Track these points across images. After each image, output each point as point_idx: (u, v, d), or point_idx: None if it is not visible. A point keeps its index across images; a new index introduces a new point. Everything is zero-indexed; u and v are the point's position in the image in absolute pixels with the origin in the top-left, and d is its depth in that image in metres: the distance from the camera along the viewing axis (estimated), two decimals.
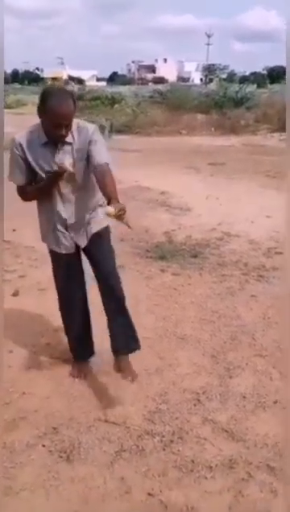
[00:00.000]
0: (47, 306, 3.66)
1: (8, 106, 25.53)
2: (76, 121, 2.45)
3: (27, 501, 2.05)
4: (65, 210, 2.58)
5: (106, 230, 2.71)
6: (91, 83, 55.83)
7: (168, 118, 17.19)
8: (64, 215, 2.59)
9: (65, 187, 2.52)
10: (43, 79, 71.65)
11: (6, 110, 23.33)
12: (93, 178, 2.50)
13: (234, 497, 2.07)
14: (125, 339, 2.75)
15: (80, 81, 49.20)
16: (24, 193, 2.63)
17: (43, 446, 2.35)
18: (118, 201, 2.25)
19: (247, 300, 3.90)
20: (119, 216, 2.16)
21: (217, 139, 14.30)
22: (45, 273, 4.22)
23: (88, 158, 2.45)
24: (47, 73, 79.70)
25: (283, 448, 2.32)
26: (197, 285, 4.17)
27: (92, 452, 2.32)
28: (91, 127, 2.49)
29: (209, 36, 72.95)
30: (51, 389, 2.77)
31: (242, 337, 3.34)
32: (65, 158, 2.42)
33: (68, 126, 2.37)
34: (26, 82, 60.41)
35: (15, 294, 3.95)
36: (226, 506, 2.03)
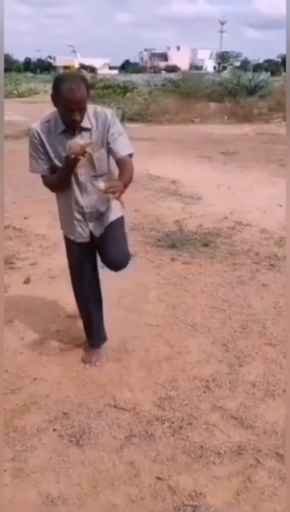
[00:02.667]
0: (58, 293, 3.69)
1: (20, 95, 25.59)
2: (93, 107, 2.45)
3: (38, 484, 2.08)
4: (83, 199, 2.58)
5: (120, 220, 2.71)
6: (103, 71, 55.51)
7: (181, 107, 17.07)
8: (82, 203, 2.59)
9: (82, 175, 2.51)
10: (55, 67, 71.57)
11: (18, 99, 23.46)
12: (112, 167, 2.53)
13: (243, 483, 2.08)
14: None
15: (92, 70, 48.96)
16: (48, 184, 2.61)
17: (54, 430, 2.38)
18: (123, 185, 2.29)
19: (258, 289, 3.88)
20: (108, 192, 2.24)
21: (230, 128, 14.16)
22: (56, 261, 4.27)
23: (108, 145, 2.45)
24: (59, 61, 79.53)
25: None
26: (208, 274, 4.16)
27: (101, 436, 2.34)
28: (109, 112, 2.48)
29: (222, 23, 72.05)
30: (62, 375, 2.80)
31: (252, 326, 3.34)
32: (77, 140, 2.37)
33: (83, 111, 2.35)
34: (39, 71, 60.25)
35: (26, 281, 3.98)
36: (234, 492, 2.04)
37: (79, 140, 2.35)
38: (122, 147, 2.47)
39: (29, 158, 2.55)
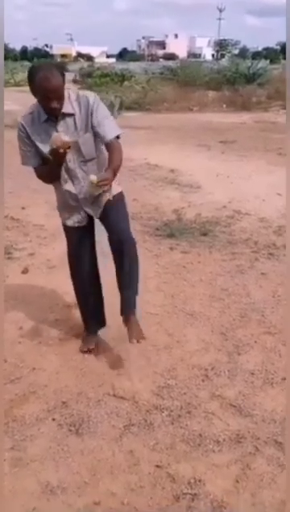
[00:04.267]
0: (57, 283, 3.68)
1: (17, 84, 25.33)
2: (75, 91, 2.46)
3: (37, 473, 2.09)
4: (74, 186, 2.58)
5: (119, 196, 2.68)
6: (100, 59, 55.08)
7: (179, 95, 16.95)
8: (74, 190, 2.59)
9: (70, 161, 2.50)
10: (52, 56, 70.97)
11: (14, 88, 23.25)
12: (103, 149, 2.54)
13: (242, 470, 2.09)
14: (132, 300, 2.75)
15: (89, 58, 48.59)
16: (40, 175, 2.61)
17: (53, 420, 2.39)
18: (113, 173, 2.37)
19: (257, 278, 3.88)
20: (99, 185, 2.32)
21: (229, 116, 14.07)
22: (54, 251, 4.26)
23: (93, 129, 2.45)
24: (56, 50, 78.84)
25: None
26: (207, 263, 4.15)
27: (101, 425, 2.34)
28: (91, 95, 2.46)
29: (220, 11, 71.36)
30: (61, 364, 2.80)
31: (251, 315, 3.33)
32: (60, 135, 2.37)
33: (60, 98, 2.34)
34: (35, 59, 59.71)
35: (24, 271, 3.97)
36: (233, 479, 2.05)
37: (62, 135, 2.35)
38: (108, 130, 2.47)
39: (19, 151, 2.55)
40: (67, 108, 2.41)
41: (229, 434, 2.29)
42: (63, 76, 2.35)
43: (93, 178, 2.34)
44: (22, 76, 27.71)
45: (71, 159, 2.49)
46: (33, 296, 3.57)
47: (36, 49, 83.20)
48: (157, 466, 2.12)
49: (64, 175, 2.55)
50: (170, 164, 7.65)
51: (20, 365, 2.79)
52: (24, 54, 74.86)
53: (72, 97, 2.43)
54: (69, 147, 2.36)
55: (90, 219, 2.70)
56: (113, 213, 2.65)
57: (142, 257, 4.13)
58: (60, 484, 2.03)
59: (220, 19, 71.95)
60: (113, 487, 2.02)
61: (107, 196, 2.49)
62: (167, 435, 2.28)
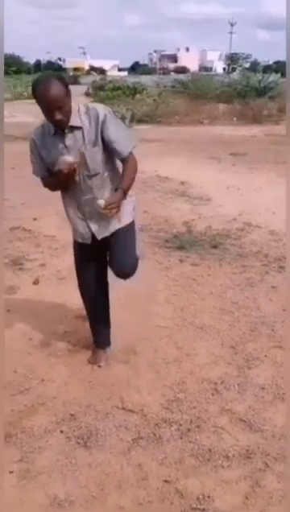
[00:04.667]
0: (67, 294, 3.69)
1: (30, 97, 25.60)
2: (85, 104, 2.44)
3: (45, 486, 2.07)
4: (80, 199, 2.55)
5: (129, 226, 2.64)
6: (113, 73, 55.66)
7: (190, 108, 17.04)
8: (80, 204, 2.57)
9: (77, 176, 2.48)
10: (65, 69, 71.84)
11: (28, 101, 23.48)
12: (114, 164, 2.55)
13: (251, 487, 2.06)
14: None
15: (101, 71, 49.12)
16: (47, 185, 2.64)
17: (61, 432, 2.38)
18: (124, 192, 2.37)
19: (267, 291, 3.86)
20: (107, 210, 2.31)
21: (239, 129, 14.12)
22: (65, 262, 4.27)
23: (104, 142, 2.42)
24: (68, 63, 79.85)
25: None
26: (217, 275, 4.14)
27: (109, 438, 2.33)
28: (101, 108, 2.42)
29: (231, 25, 71.76)
30: (70, 376, 2.80)
31: (261, 328, 3.31)
32: (66, 158, 2.38)
33: (62, 109, 2.30)
34: None
35: (35, 282, 3.98)
36: (243, 496, 2.02)
37: (67, 158, 2.37)
38: (124, 146, 2.45)
39: (30, 161, 2.60)
40: (75, 121, 2.38)
41: (238, 449, 2.26)
42: (65, 86, 2.30)
43: (101, 202, 2.33)
44: None
45: (77, 173, 2.47)
46: (43, 307, 3.58)
47: (49, 62, 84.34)
48: (165, 481, 2.10)
49: (70, 188, 2.55)
50: (180, 176, 7.67)
51: (29, 377, 2.79)
52: (38, 67, 75.92)
53: (82, 109, 2.40)
54: (75, 170, 2.39)
55: (95, 237, 2.64)
56: (120, 246, 2.62)
57: (151, 269, 4.16)
58: (68, 497, 2.02)
59: (231, 33, 72.32)
60: (122, 501, 2.00)
61: (116, 225, 2.51)
62: (176, 450, 2.26)
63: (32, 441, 2.32)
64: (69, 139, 2.41)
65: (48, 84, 2.25)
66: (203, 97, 18.79)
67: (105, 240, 2.63)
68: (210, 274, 4.15)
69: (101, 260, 2.76)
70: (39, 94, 2.27)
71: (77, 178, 2.47)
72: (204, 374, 2.81)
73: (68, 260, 4.29)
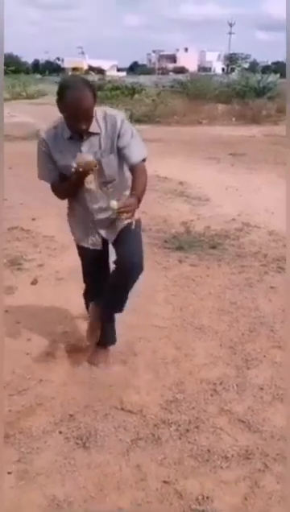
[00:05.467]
0: (65, 294, 3.69)
1: (29, 97, 25.65)
2: (102, 110, 2.36)
3: (43, 486, 2.07)
4: (92, 206, 2.49)
5: (137, 223, 2.46)
6: (111, 73, 55.63)
7: (189, 108, 17.05)
8: (91, 211, 2.51)
9: (90, 183, 2.42)
10: (63, 69, 71.83)
11: (26, 101, 23.54)
12: (126, 173, 2.48)
13: (250, 488, 2.06)
14: (108, 336, 2.86)
15: (100, 71, 49.10)
16: (56, 191, 2.55)
17: (60, 432, 2.37)
18: (138, 199, 2.23)
19: (266, 292, 3.85)
20: (121, 212, 2.16)
21: (238, 129, 14.12)
22: (63, 262, 4.28)
23: (118, 150, 2.36)
24: (67, 63, 79.83)
25: None
26: (216, 276, 4.14)
27: (108, 439, 2.32)
28: (119, 116, 2.37)
29: (231, 25, 71.87)
30: (68, 376, 2.79)
31: (260, 329, 3.31)
32: (85, 155, 2.29)
33: (89, 119, 2.25)
34: (47, 72, 60.47)
35: (34, 283, 3.98)
36: (242, 496, 2.02)
37: (86, 155, 2.28)
38: (135, 153, 2.37)
39: (37, 164, 2.50)
40: (93, 127, 2.31)
41: (237, 450, 2.26)
42: (95, 95, 2.24)
43: (114, 204, 2.18)
44: (34, 88, 28.14)
45: (91, 180, 2.40)
46: (41, 308, 3.57)
47: (48, 62, 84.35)
48: (164, 482, 2.09)
49: (81, 194, 2.47)
50: (179, 177, 7.67)
51: (28, 377, 2.78)
52: (36, 67, 75.93)
53: (99, 115, 2.33)
54: (92, 169, 2.29)
55: (105, 241, 2.63)
56: (128, 242, 2.55)
57: (150, 269, 4.14)
58: (67, 498, 2.01)
59: (230, 33, 72.44)
60: (120, 502, 2.00)
61: (125, 222, 2.40)
62: (175, 450, 2.26)
63: (30, 442, 2.31)
64: (85, 145, 2.35)
65: (81, 92, 2.17)
66: (202, 97, 18.80)
67: (113, 242, 2.61)
68: (209, 275, 4.15)
69: (106, 265, 2.75)
70: (69, 100, 2.18)
71: (92, 185, 2.40)
72: (203, 375, 2.81)
73: (66, 260, 4.30)
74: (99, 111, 2.34)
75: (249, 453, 2.24)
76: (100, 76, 29.61)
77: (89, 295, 2.92)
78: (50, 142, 2.39)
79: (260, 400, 2.60)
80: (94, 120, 2.31)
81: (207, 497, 2.01)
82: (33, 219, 5.52)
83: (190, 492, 2.04)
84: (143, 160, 2.41)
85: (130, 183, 2.41)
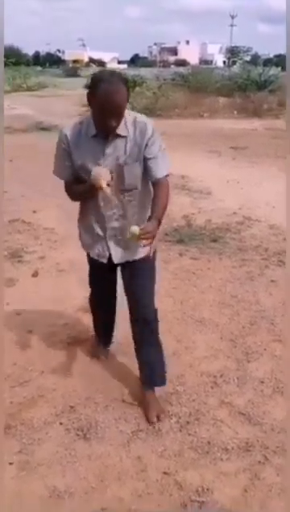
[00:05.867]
0: (66, 287, 3.69)
1: (29, 89, 25.53)
2: (132, 114, 2.21)
3: (44, 477, 2.08)
4: (105, 212, 2.29)
5: (153, 256, 2.39)
6: (112, 65, 55.38)
7: (190, 101, 16.96)
8: (104, 218, 2.31)
9: (108, 188, 2.19)
10: (64, 61, 71.47)
11: (27, 93, 23.44)
12: (148, 183, 2.30)
13: (250, 480, 2.07)
14: (149, 373, 2.54)
15: (101, 63, 48.87)
16: (69, 191, 2.37)
17: (61, 424, 2.38)
18: (158, 221, 2.08)
19: (267, 285, 3.86)
20: (141, 238, 1.98)
21: (240, 123, 14.06)
22: (64, 254, 4.28)
23: (144, 160, 2.20)
24: (68, 55, 79.44)
25: None
26: (216, 269, 4.14)
27: (108, 431, 2.34)
28: (150, 124, 2.20)
29: (232, 17, 71.32)
30: (69, 368, 2.80)
31: (261, 322, 3.31)
32: (102, 170, 2.12)
33: (120, 117, 2.09)
34: (48, 64, 60.18)
35: (34, 275, 3.98)
36: (242, 488, 2.03)
37: (103, 171, 2.11)
38: (161, 168, 2.22)
39: (54, 159, 2.33)
40: (121, 129, 2.14)
41: (237, 442, 2.27)
42: (127, 91, 2.09)
43: (135, 229, 1.97)
44: (35, 80, 28.01)
45: (110, 186, 2.17)
46: (42, 300, 3.57)
47: (49, 54, 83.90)
48: (165, 473, 2.10)
49: (96, 200, 2.28)
50: (180, 170, 7.63)
51: (29, 369, 2.79)
52: (37, 59, 75.51)
53: (129, 119, 2.17)
54: (101, 187, 2.09)
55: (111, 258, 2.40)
56: (140, 284, 2.42)
57: None
58: (67, 489, 2.03)
59: (232, 26, 71.85)
60: (121, 493, 2.01)
61: (136, 253, 2.29)
62: (176, 442, 2.27)
63: (32, 433, 2.32)
64: (110, 147, 2.17)
65: (115, 87, 2.03)
66: (203, 90, 18.68)
67: (123, 271, 2.46)
68: (210, 268, 4.15)
69: (114, 277, 2.61)
70: (102, 93, 2.01)
71: (108, 191, 2.17)
72: (203, 367, 2.82)
73: (67, 253, 4.30)
74: (129, 115, 2.19)
75: (249, 445, 2.25)
76: (101, 68, 29.42)
77: (93, 303, 2.85)
78: (72, 139, 2.22)
79: (260, 393, 2.61)
80: (123, 122, 2.15)
81: (207, 489, 2.02)
82: (34, 211, 5.52)
83: (190, 483, 2.05)
84: (167, 175, 2.26)
85: (151, 196, 2.27)
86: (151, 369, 2.53)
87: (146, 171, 2.23)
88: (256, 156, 8.89)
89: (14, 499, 1.97)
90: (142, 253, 2.32)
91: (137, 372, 2.65)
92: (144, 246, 2.08)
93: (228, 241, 4.76)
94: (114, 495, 2.00)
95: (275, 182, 7.00)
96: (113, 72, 2.16)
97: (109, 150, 2.18)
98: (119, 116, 2.09)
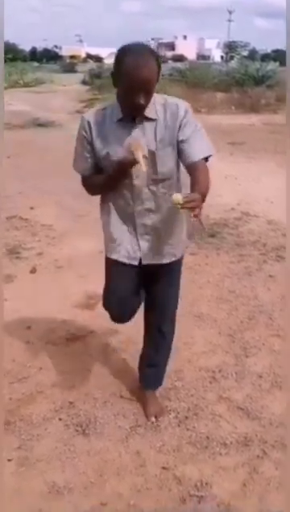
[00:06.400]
0: (64, 283, 3.69)
1: (26, 84, 25.42)
2: (163, 96, 2.00)
3: (43, 473, 2.08)
4: (135, 208, 2.04)
5: (179, 261, 2.25)
6: (110, 61, 55.16)
7: (187, 96, 16.80)
8: (133, 215, 2.05)
9: (138, 177, 1.97)
10: (61, 57, 71.20)
11: (24, 89, 23.33)
12: (179, 172, 2.06)
13: (249, 474, 2.08)
14: (152, 377, 2.47)
15: (98, 59, 48.70)
16: (88, 185, 2.12)
17: (60, 420, 2.38)
18: (202, 197, 1.78)
19: (265, 280, 3.86)
20: (186, 206, 1.68)
21: (238, 118, 14.03)
22: (62, 251, 4.28)
23: (177, 144, 1.96)
24: (65, 51, 79.12)
25: None
26: (214, 264, 4.14)
27: (107, 426, 2.34)
28: (182, 104, 1.98)
29: (230, 12, 71.19)
30: (68, 364, 2.80)
31: (259, 317, 3.32)
32: (138, 140, 1.90)
33: (148, 94, 1.84)
34: (45, 60, 59.98)
35: (32, 271, 3.97)
36: (240, 483, 2.04)
37: (139, 140, 1.90)
38: (197, 149, 1.95)
39: (74, 151, 2.10)
40: (150, 111, 1.92)
41: (236, 437, 2.28)
42: (158, 66, 1.84)
43: (178, 197, 1.68)
44: (32, 76, 27.88)
45: (139, 175, 1.95)
46: (41, 296, 3.57)
47: (46, 50, 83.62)
48: (164, 468, 2.11)
49: (123, 192, 2.02)
50: None
51: (28, 365, 2.79)
52: (33, 55, 75.22)
53: (159, 101, 1.95)
54: (143, 157, 1.85)
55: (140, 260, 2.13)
56: (167, 288, 2.26)
57: None
58: (67, 484, 2.03)
59: (229, 21, 71.75)
60: (120, 488, 2.01)
61: (168, 256, 2.10)
62: (174, 437, 2.28)
63: (31, 429, 2.32)
64: (137, 131, 1.94)
65: (143, 59, 1.78)
66: (201, 85, 18.63)
67: (148, 275, 2.19)
68: (208, 263, 4.15)
69: (138, 286, 2.24)
70: (127, 68, 1.77)
71: (138, 181, 1.98)
72: (201, 363, 2.82)
73: (65, 249, 4.30)
74: (159, 97, 1.97)
75: (247, 440, 2.26)
76: (98, 63, 29.32)
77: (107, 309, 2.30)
78: (94, 125, 1.98)
79: (259, 388, 2.62)
80: (152, 104, 1.93)
81: (206, 483, 2.03)
82: (31, 208, 5.50)
83: (189, 478, 2.06)
84: (206, 159, 1.99)
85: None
86: (154, 373, 2.47)
87: (180, 156, 1.98)
88: (254, 151, 8.88)
89: (13, 495, 1.98)
90: (173, 256, 2.16)
91: (135, 367, 2.65)
92: (192, 217, 1.73)
93: (226, 236, 4.77)
94: (113, 490, 2.01)
95: (273, 177, 6.99)
96: (142, 44, 1.94)
97: (136, 134, 1.94)
98: (148, 92, 1.83)
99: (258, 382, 2.66)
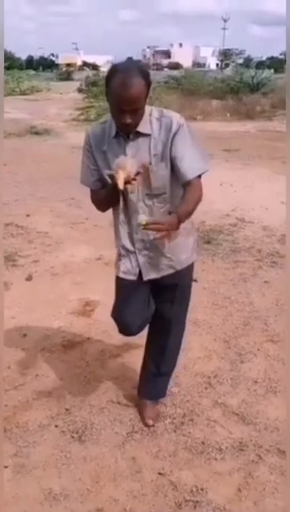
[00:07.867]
0: (60, 290, 3.70)
1: (23, 93, 25.52)
2: (160, 109, 1.99)
3: (40, 480, 2.09)
4: (132, 222, 2.04)
5: (188, 271, 2.23)
6: (106, 68, 55.38)
7: (183, 104, 16.99)
8: (132, 230, 2.06)
9: (132, 193, 1.98)
10: (57, 65, 71.50)
11: (20, 97, 23.41)
12: (179, 188, 2.01)
13: (244, 479, 2.09)
14: (154, 389, 2.47)
15: (94, 67, 48.93)
16: (95, 201, 2.13)
17: (56, 426, 2.39)
18: (179, 219, 1.81)
19: (260, 286, 3.88)
20: (148, 228, 1.75)
21: (233, 125, 14.12)
22: (58, 258, 4.29)
23: (171, 160, 1.95)
24: (61, 59, 79.47)
25: None
26: (210, 271, 4.16)
27: (104, 432, 2.35)
28: (176, 117, 1.94)
29: (225, 20, 71.73)
30: (64, 371, 2.81)
31: (254, 323, 3.34)
32: (128, 160, 1.88)
33: (136, 113, 1.85)
34: (41, 68, 60.21)
35: (28, 278, 3.99)
36: (236, 487, 2.05)
37: (129, 162, 1.87)
38: (190, 168, 1.93)
39: (81, 165, 2.13)
40: (144, 127, 1.92)
41: (231, 442, 2.29)
42: (147, 85, 1.85)
43: (142, 218, 1.78)
44: (28, 84, 27.99)
45: (134, 190, 1.97)
46: (37, 303, 3.58)
47: (42, 58, 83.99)
48: (159, 473, 2.12)
49: (121, 205, 2.05)
50: None
51: (24, 372, 2.80)
52: (30, 63, 75.48)
53: (154, 114, 1.96)
54: (134, 179, 1.86)
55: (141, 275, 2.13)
56: (175, 306, 2.23)
57: None
58: (63, 491, 2.03)
59: (224, 29, 72.26)
60: (116, 494, 2.02)
61: (170, 268, 2.09)
62: (170, 443, 2.29)
63: (27, 436, 2.33)
64: (131, 147, 1.94)
65: (129, 78, 1.78)
66: (196, 92, 18.78)
67: (153, 282, 2.16)
68: (203, 270, 4.17)
69: (145, 300, 2.22)
70: (114, 86, 1.80)
71: (133, 197, 2.00)
72: (197, 368, 2.84)
73: (61, 256, 4.32)
74: (156, 111, 1.98)
75: (243, 445, 2.27)
76: (94, 71, 29.43)
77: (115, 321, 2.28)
78: (94, 140, 2.02)
79: (254, 393, 2.63)
80: (148, 119, 1.94)
81: (201, 489, 2.04)
82: (27, 215, 5.52)
83: (185, 483, 2.07)
84: (199, 176, 1.97)
85: None
86: (154, 387, 2.46)
87: (175, 174, 1.97)
88: (249, 158, 8.93)
89: (9, 502, 1.98)
90: (171, 269, 2.12)
91: (132, 374, 2.67)
92: (154, 239, 1.86)
93: (221, 242, 4.79)
94: (110, 496, 2.01)
95: (268, 184, 7.05)
96: (132, 63, 1.95)
97: (131, 151, 1.94)
98: (134, 111, 1.84)
99: (254, 388, 2.67)
